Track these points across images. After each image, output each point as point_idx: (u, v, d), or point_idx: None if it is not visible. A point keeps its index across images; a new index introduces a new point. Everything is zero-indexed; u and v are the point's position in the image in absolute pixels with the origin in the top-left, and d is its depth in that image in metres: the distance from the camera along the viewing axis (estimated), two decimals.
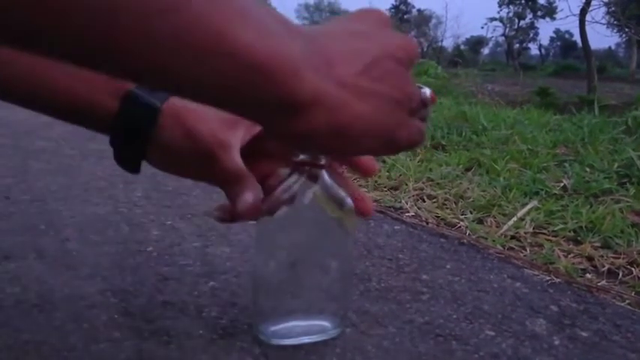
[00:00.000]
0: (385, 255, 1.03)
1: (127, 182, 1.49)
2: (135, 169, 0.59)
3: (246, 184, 0.55)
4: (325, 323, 0.66)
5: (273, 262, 0.61)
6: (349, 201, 0.60)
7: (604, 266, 1.06)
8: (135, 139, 0.56)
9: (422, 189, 1.59)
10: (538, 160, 1.89)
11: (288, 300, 0.64)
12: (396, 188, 1.63)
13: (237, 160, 0.55)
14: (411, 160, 1.94)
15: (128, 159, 0.59)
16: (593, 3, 6.79)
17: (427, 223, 1.31)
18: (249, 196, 0.54)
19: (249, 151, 0.58)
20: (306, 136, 0.35)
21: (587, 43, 6.95)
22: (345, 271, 0.66)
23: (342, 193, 0.60)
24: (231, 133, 0.56)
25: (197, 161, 0.56)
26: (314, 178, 0.57)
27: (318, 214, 0.59)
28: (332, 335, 0.66)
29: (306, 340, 0.64)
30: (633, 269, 1.05)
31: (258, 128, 0.58)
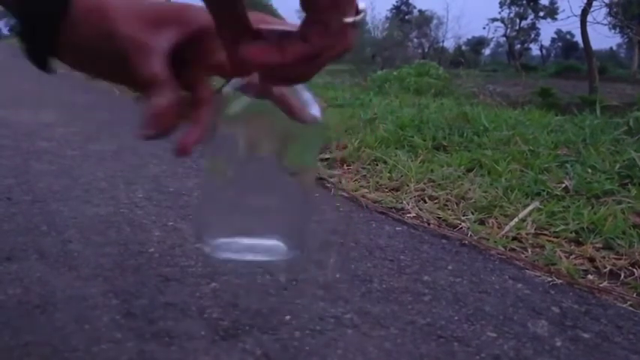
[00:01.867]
0: (387, 256, 1.03)
1: (128, 183, 1.49)
2: (44, 65, 0.51)
3: (163, 89, 0.47)
4: (275, 243, 0.61)
5: (217, 176, 0.56)
6: (316, 110, 0.48)
7: (606, 267, 1.06)
8: (41, 30, 0.49)
9: (423, 190, 1.59)
10: (539, 161, 1.89)
11: (233, 215, 0.60)
12: (397, 189, 1.63)
13: (156, 65, 0.49)
14: (412, 160, 1.94)
15: (36, 53, 0.52)
16: (594, 4, 6.79)
17: (428, 224, 1.31)
18: (161, 99, 0.46)
19: (178, 56, 0.51)
20: None
21: (589, 44, 6.96)
22: (300, 195, 0.59)
23: (308, 97, 0.47)
24: (154, 35, 0.49)
25: (113, 63, 0.50)
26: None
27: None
28: (280, 258, 0.60)
29: (250, 257, 0.60)
30: (635, 270, 1.04)
31: (190, 29, 0.51)
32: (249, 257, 0.61)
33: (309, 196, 0.77)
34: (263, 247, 0.62)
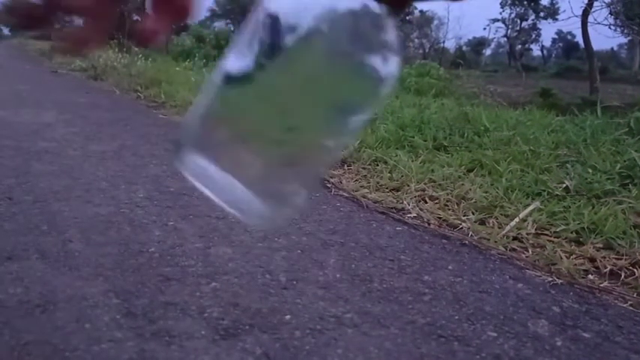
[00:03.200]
0: (387, 256, 1.03)
1: (129, 183, 1.49)
2: None
3: None
4: (254, 199, 0.37)
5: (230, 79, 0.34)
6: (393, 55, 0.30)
7: (606, 267, 1.06)
8: None
9: (424, 190, 1.59)
10: (540, 161, 1.89)
11: (226, 138, 0.38)
12: (397, 189, 1.63)
13: None
14: (412, 161, 1.94)
15: None
16: (595, 4, 6.79)
17: (429, 224, 1.31)
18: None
19: None
20: None
21: (590, 44, 6.96)
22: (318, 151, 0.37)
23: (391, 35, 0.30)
24: None
25: None
26: None
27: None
28: (251, 219, 0.39)
29: (217, 199, 0.38)
30: (635, 270, 1.04)
31: None
32: (218, 200, 0.39)
33: (325, 160, 0.51)
34: (239, 195, 0.41)
